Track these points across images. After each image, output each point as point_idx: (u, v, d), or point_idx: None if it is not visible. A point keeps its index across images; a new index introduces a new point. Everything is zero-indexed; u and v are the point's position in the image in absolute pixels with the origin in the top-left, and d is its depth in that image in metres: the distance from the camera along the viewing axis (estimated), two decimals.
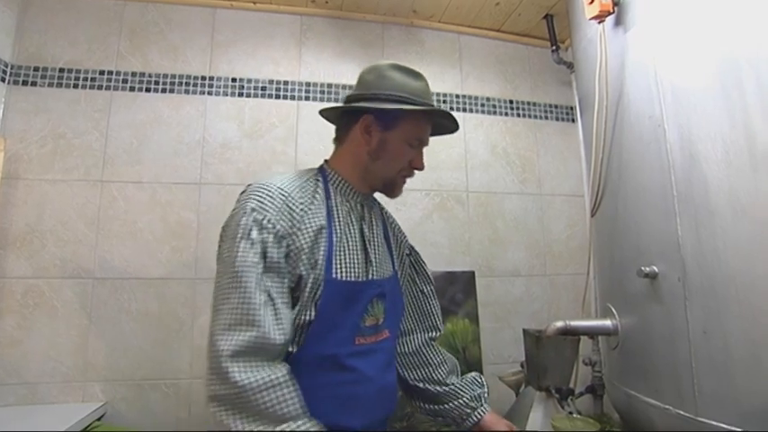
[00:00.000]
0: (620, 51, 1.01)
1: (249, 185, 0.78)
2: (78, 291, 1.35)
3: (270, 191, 0.75)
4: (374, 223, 0.89)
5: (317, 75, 1.60)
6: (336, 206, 0.81)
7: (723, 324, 0.76)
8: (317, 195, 0.80)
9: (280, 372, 0.65)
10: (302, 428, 0.63)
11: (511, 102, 1.73)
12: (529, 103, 1.75)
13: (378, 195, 0.93)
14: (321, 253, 0.74)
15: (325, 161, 0.91)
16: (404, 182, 0.90)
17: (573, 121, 1.75)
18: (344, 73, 1.61)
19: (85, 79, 1.47)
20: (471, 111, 1.68)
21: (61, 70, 1.46)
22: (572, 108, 1.76)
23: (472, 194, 1.62)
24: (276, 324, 0.67)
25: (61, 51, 1.47)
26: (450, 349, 1.46)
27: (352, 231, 0.81)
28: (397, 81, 0.83)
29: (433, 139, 1.72)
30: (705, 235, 0.79)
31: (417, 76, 0.87)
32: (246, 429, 0.61)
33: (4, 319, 1.29)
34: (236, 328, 0.64)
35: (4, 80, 1.40)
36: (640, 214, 0.95)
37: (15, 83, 1.42)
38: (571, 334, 1.11)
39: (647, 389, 0.93)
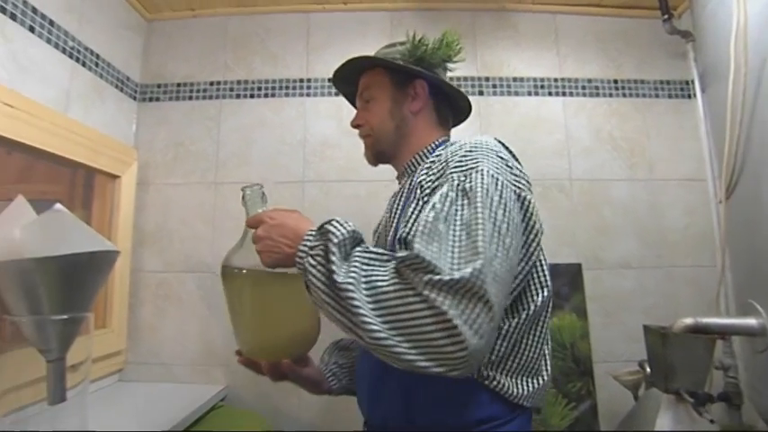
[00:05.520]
0: (763, 9, 0.89)
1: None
2: (199, 284, 1.48)
3: None
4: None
5: None
6: None
7: None
8: None
9: None
10: None
11: (615, 81, 1.61)
12: (635, 82, 1.61)
13: None
14: None
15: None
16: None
17: (689, 96, 1.58)
18: None
19: (198, 91, 1.61)
20: (571, 94, 1.58)
21: (178, 85, 1.61)
22: (688, 83, 1.58)
23: (576, 182, 1.52)
24: None
25: (177, 68, 1.62)
26: (558, 345, 1.39)
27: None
28: None
29: (530, 127, 1.67)
30: None
31: None
32: None
33: (144, 307, 1.47)
34: None
35: (135, 98, 1.58)
36: None
37: (143, 99, 1.60)
38: (702, 332, 1.00)
39: None
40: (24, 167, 1.15)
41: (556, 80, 1.59)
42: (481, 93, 1.57)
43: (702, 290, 1.46)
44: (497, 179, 0.65)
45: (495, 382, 0.69)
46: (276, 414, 1.40)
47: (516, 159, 0.77)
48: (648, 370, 1.15)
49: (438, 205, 0.62)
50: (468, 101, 0.92)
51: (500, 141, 0.77)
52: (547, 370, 0.76)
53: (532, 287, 0.72)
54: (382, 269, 0.59)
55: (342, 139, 1.54)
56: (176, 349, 1.45)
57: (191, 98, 1.60)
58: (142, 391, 1.34)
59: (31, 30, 1.11)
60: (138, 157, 1.52)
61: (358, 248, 0.63)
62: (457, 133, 1.46)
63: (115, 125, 1.46)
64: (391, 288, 0.56)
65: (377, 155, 0.90)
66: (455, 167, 0.68)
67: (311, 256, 0.61)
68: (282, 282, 0.71)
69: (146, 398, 1.28)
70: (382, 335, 0.54)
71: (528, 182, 0.74)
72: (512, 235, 0.61)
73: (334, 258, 0.59)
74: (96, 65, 1.36)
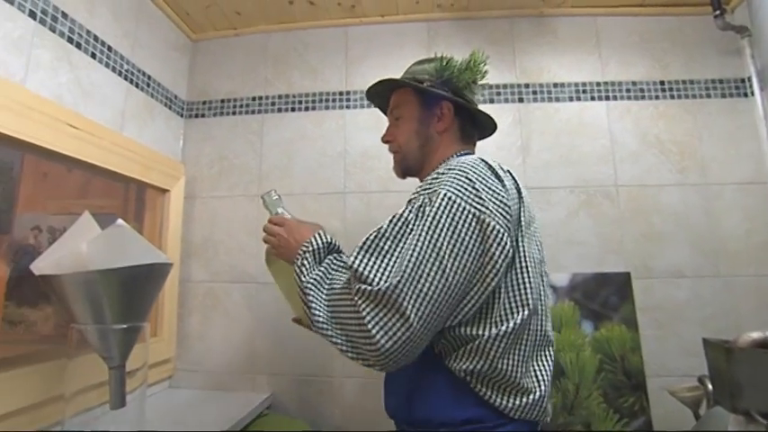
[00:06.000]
0: None
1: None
2: (245, 294, 1.52)
3: None
4: None
5: None
6: None
7: None
8: None
9: None
10: None
11: (662, 83, 1.55)
12: (684, 82, 1.54)
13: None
14: None
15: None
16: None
17: (746, 95, 1.50)
18: None
19: (241, 106, 1.67)
20: (615, 98, 1.53)
21: (222, 101, 1.68)
22: (744, 80, 1.50)
23: (622, 189, 1.47)
24: None
25: (221, 85, 1.69)
26: (607, 357, 1.34)
27: None
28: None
29: (573, 133, 1.65)
30: None
31: None
32: None
33: (192, 316, 1.52)
34: None
35: (182, 115, 1.65)
36: None
37: (189, 116, 1.67)
38: None
39: None
40: (83, 183, 1.22)
41: (598, 84, 1.55)
42: (521, 100, 1.55)
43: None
44: (455, 202, 0.70)
45: (476, 390, 0.74)
46: (319, 421, 1.41)
47: (500, 181, 0.76)
48: (710, 386, 1.09)
49: (385, 225, 0.72)
50: (492, 121, 0.95)
51: (485, 162, 0.78)
52: (540, 386, 0.76)
53: (506, 306, 0.73)
54: (344, 275, 0.75)
55: (382, 150, 1.53)
56: (223, 357, 1.49)
57: (234, 113, 1.66)
58: (191, 398, 1.38)
59: (93, 56, 1.19)
60: (186, 171, 1.59)
61: (330, 256, 0.80)
62: (497, 140, 1.45)
63: (164, 141, 1.53)
64: (340, 291, 0.72)
65: (404, 170, 0.97)
66: (425, 189, 0.75)
67: (301, 258, 0.77)
68: None
69: (195, 405, 1.32)
70: (325, 325, 0.70)
71: (501, 203, 0.72)
72: (456, 257, 0.68)
73: (305, 263, 0.76)
74: (148, 85, 1.44)
